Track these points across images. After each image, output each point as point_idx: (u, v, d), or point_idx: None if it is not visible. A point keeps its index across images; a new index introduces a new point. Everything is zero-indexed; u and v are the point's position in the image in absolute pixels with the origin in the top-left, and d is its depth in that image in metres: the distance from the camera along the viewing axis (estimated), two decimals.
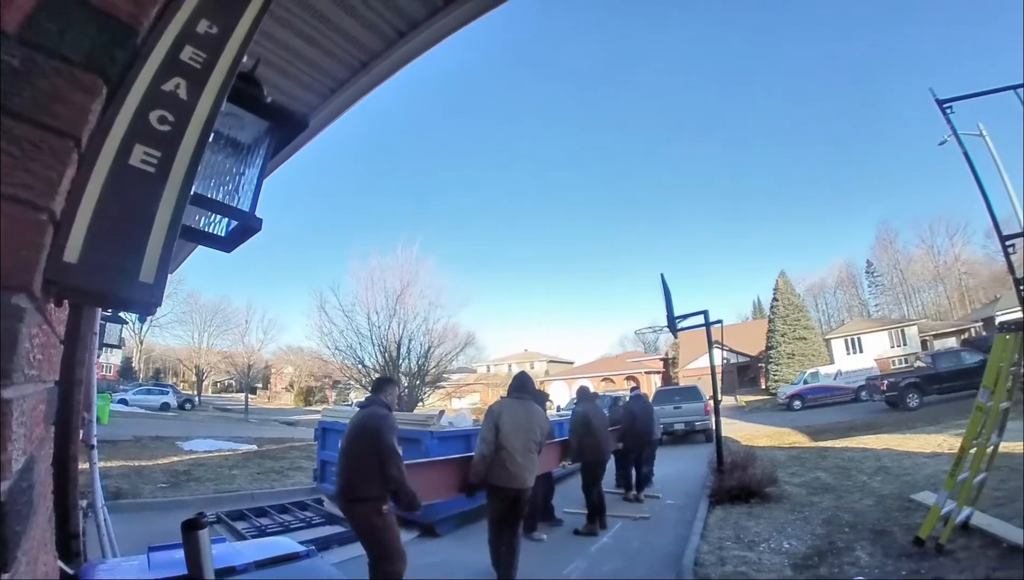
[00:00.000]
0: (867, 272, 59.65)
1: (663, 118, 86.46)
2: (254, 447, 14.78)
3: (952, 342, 33.72)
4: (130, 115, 0.86)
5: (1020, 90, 4.62)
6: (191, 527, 1.05)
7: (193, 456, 12.47)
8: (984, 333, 33.11)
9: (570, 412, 8.56)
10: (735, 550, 5.14)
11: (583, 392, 7.62)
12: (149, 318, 44.22)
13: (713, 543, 5.40)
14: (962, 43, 60.07)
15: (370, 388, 4.31)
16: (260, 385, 56.24)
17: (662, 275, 9.85)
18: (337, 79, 2.99)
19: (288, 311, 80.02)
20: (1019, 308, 4.46)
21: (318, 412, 15.53)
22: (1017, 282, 4.38)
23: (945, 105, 4.80)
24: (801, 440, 14.95)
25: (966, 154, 4.76)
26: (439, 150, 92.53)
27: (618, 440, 8.41)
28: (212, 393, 52.32)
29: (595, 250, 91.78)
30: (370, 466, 3.59)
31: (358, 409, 4.28)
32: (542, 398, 6.57)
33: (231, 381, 53.19)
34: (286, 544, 2.51)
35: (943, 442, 9.99)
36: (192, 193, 0.92)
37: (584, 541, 6.06)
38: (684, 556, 5.05)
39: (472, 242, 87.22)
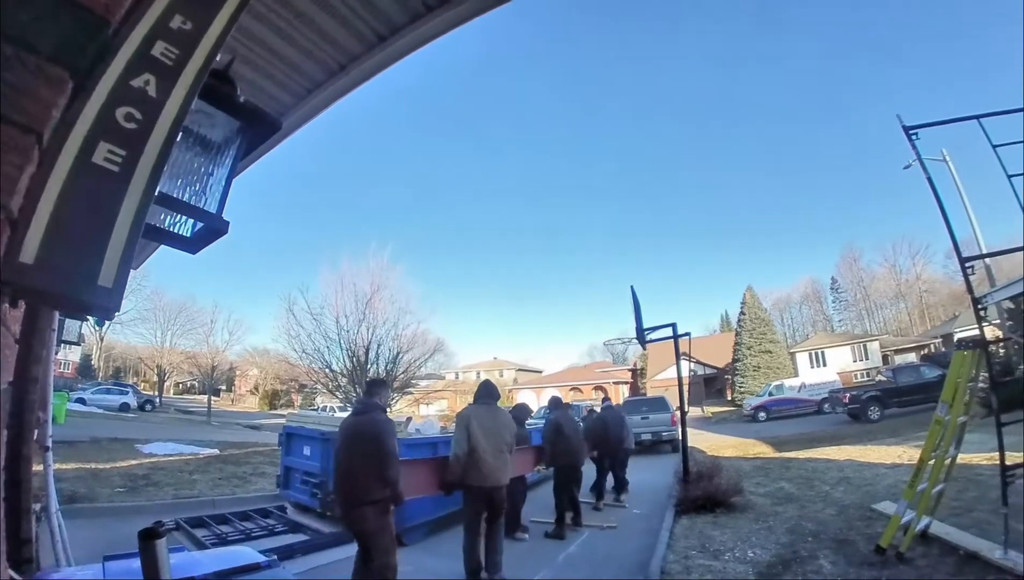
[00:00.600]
0: (832, 288, 61.65)
1: (637, 134, 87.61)
2: (216, 451, 14.36)
3: (912, 357, 34.81)
4: (96, 111, 0.83)
5: (982, 120, 4.82)
6: (148, 536, 1.01)
7: (153, 460, 12.05)
8: (943, 349, 34.33)
9: (543, 420, 8.74)
10: (700, 559, 5.18)
11: (555, 401, 7.96)
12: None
13: (679, 552, 5.44)
14: (926, 74, 62.56)
15: (363, 390, 4.50)
16: (224, 387, 54.85)
17: (632, 287, 9.95)
18: (314, 80, 2.94)
19: (255, 312, 78.69)
20: (977, 326, 4.62)
21: (283, 416, 15.19)
22: (975, 302, 4.54)
23: (911, 131, 4.95)
24: (766, 451, 15.20)
25: (929, 179, 4.92)
26: (413, 157, 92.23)
27: (592, 448, 8.64)
28: (174, 394, 50.84)
29: (565, 262, 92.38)
30: (375, 469, 3.81)
31: (352, 413, 4.43)
32: (526, 413, 7.14)
33: (194, 382, 51.67)
34: (247, 553, 2.43)
35: (903, 454, 10.26)
36: (157, 193, 0.89)
37: (551, 550, 6.05)
38: (650, 565, 5.07)
39: (444, 248, 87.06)
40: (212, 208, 1.31)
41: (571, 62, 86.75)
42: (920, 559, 4.43)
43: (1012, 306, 16.45)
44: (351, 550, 5.97)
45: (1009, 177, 4.60)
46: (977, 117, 4.82)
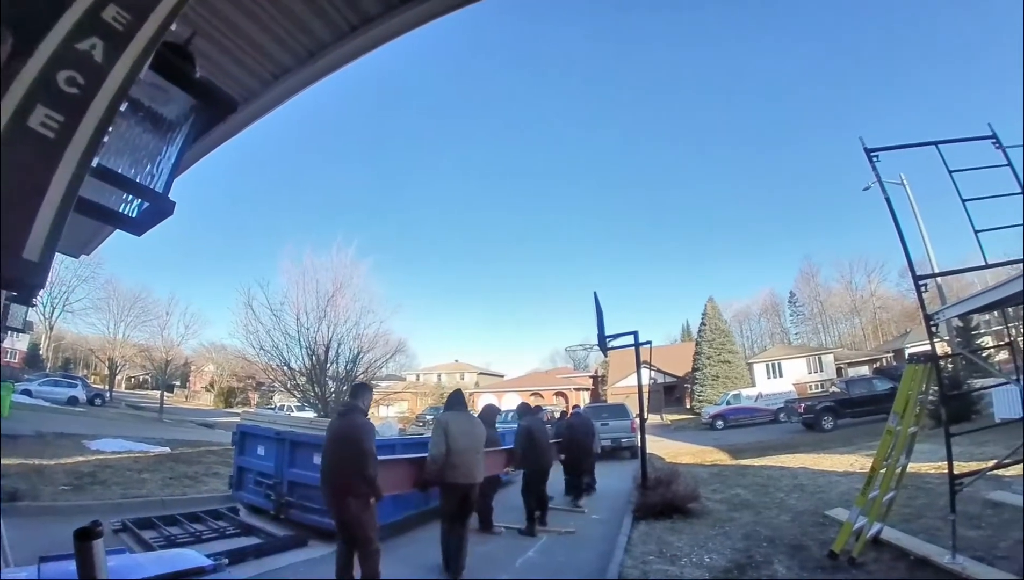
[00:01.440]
0: (790, 302, 63.79)
1: (603, 146, 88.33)
2: (167, 450, 13.79)
3: (865, 370, 36.01)
4: (35, 72, 0.76)
5: (940, 146, 5.03)
6: (84, 536, 0.94)
7: (100, 457, 11.51)
8: (894, 363, 35.77)
9: (508, 424, 8.99)
10: (658, 564, 5.22)
11: (524, 407, 8.57)
12: (61, 302, 41.08)
13: (637, 557, 5.46)
14: (885, 102, 65.12)
15: (348, 394, 4.92)
16: (178, 383, 53.03)
17: (595, 294, 10.00)
18: (281, 66, 2.82)
19: (213, 305, 75.91)
20: (928, 342, 4.79)
21: (239, 415, 14.70)
22: (927, 318, 4.70)
23: (872, 154, 5.11)
24: (723, 458, 15.51)
25: (888, 200, 5.08)
26: (380, 149, 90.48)
27: (560, 452, 9.32)
28: (125, 389, 48.92)
29: (531, 268, 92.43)
30: (356, 467, 4.23)
31: (336, 415, 4.90)
32: (494, 414, 7.62)
33: (147, 377, 49.82)
34: (192, 557, 2.32)
35: (855, 462, 10.57)
36: (99, 167, 0.82)
37: (513, 552, 6.02)
38: (608, 571, 5.09)
39: (409, 248, 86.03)
40: (159, 188, 1.22)
41: (540, 64, 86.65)
42: (872, 564, 4.57)
43: (960, 324, 17.27)
44: (305, 554, 5.88)
45: (963, 201, 4.81)
46: (935, 143, 5.04)
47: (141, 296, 40.84)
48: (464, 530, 5.21)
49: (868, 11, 66.71)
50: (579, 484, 9.39)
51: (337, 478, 4.33)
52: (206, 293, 75.29)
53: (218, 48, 2.62)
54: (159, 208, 1.25)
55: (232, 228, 78.29)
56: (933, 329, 4.75)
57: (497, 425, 8.04)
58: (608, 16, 79.53)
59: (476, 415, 5.97)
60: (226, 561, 5.39)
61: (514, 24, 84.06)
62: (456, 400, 5.66)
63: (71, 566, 1.14)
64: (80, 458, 10.95)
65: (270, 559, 5.60)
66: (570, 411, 11.55)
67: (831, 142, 66.70)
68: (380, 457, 4.76)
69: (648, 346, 9.79)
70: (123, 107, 0.87)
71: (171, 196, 1.27)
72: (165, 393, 35.49)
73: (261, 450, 7.44)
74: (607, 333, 9.70)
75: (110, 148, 1.03)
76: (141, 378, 52.32)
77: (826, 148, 69.16)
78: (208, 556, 4.85)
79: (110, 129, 0.84)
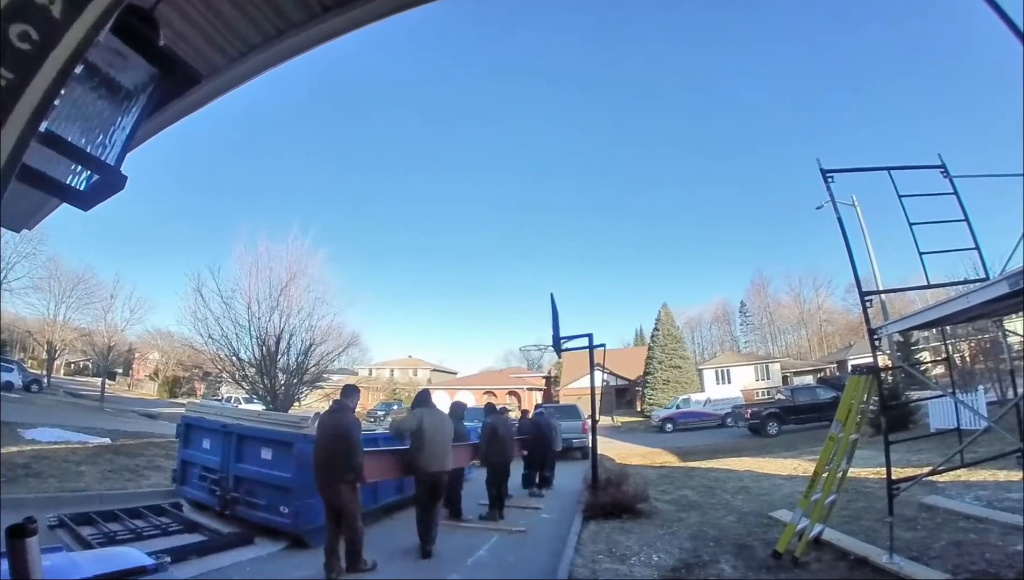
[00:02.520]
0: (741, 311, 65.92)
1: (562, 148, 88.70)
2: (107, 441, 13.20)
3: (809, 379, 37.31)
4: None
5: (891, 172, 5.29)
6: (17, 533, 0.88)
7: (35, 447, 10.94)
8: (837, 373, 37.38)
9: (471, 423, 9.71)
10: (607, 563, 5.29)
11: (490, 407, 9.38)
12: None
13: (587, 557, 5.52)
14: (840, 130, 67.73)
15: (339, 393, 5.65)
16: (120, 371, 50.44)
17: (551, 295, 10.07)
18: (248, 43, 2.70)
19: (160, 290, 72.02)
20: (871, 355, 5.02)
21: (183, 405, 14.11)
22: (871, 332, 4.92)
23: (827, 174, 5.31)
24: (671, 460, 15.91)
25: (839, 219, 5.29)
26: (344, 138, 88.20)
27: (523, 449, 10.25)
28: (65, 375, 46.52)
29: (487, 266, 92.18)
30: (344, 456, 4.99)
31: (328, 411, 5.52)
32: (462, 409, 8.42)
33: (88, 363, 47.14)
34: (132, 555, 2.21)
35: (798, 466, 11.00)
36: (48, 132, 0.76)
37: (465, 549, 6.01)
38: (558, 570, 5.12)
39: (366, 241, 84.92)
40: (110, 160, 1.14)
41: (499, 60, 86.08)
42: (814, 563, 4.77)
43: (901, 339, 18.18)
44: (251, 552, 5.75)
45: (910, 225, 5.06)
46: (888, 169, 5.30)
47: (85, 277, 38.55)
48: (435, 514, 5.93)
49: (835, 27, 69.07)
50: (536, 477, 10.16)
51: (329, 467, 5.01)
52: (154, 277, 71.51)
53: (184, 18, 2.47)
54: (109, 182, 1.16)
55: (185, 209, 74.82)
56: (876, 343, 4.99)
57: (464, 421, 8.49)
58: (571, 15, 79.79)
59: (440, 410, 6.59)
60: (168, 559, 5.18)
61: (478, 21, 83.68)
62: (424, 398, 6.41)
63: (3, 566, 1.07)
64: (14, 448, 10.40)
65: (214, 557, 5.40)
66: (532, 411, 12.12)
67: (789, 160, 68.96)
68: (365, 449, 5.46)
69: (602, 349, 9.98)
70: (78, 70, 0.80)
71: (124, 170, 1.20)
72: (107, 381, 33.79)
73: (207, 443, 7.18)
74: (562, 334, 9.79)
75: (61, 114, 0.96)
76: (82, 364, 49.56)
77: (783, 165, 71.50)
78: (150, 554, 4.68)
79: (62, 92, 0.78)
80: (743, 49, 74.85)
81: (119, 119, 1.19)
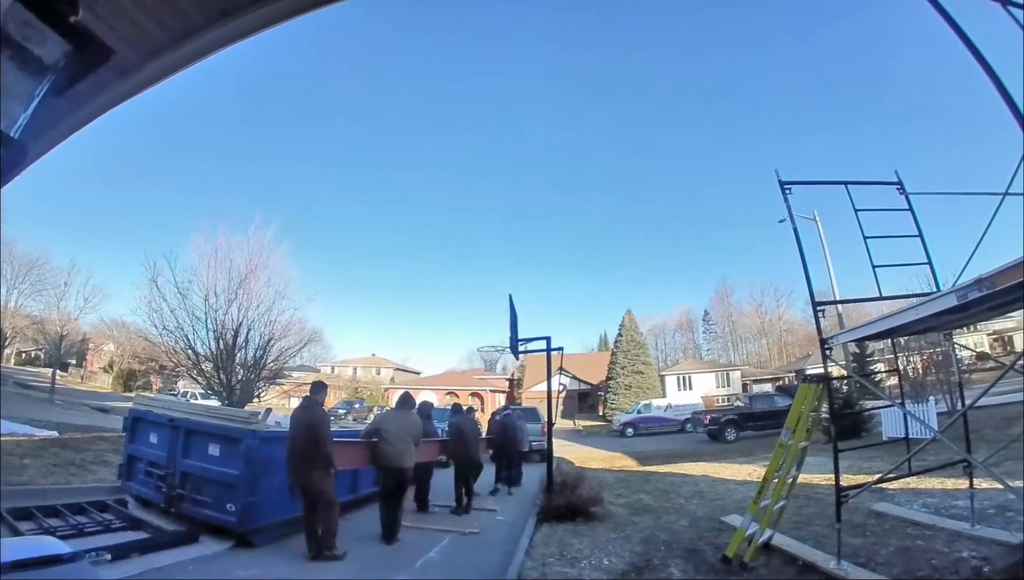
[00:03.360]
0: (704, 320, 67.07)
1: (529, 151, 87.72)
2: (54, 434, 12.71)
3: (768, 387, 38.36)
4: None
5: (849, 186, 5.45)
6: None
7: None
8: (795, 382, 38.45)
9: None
10: (558, 566, 5.30)
11: (456, 407, 10.06)
12: None
13: (537, 559, 5.52)
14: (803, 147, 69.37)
15: (309, 389, 6.02)
16: (73, 362, 48.50)
17: (510, 297, 10.03)
18: (192, 23, 2.58)
19: (117, 278, 69.21)
20: (822, 363, 5.17)
21: None
22: (823, 341, 5.05)
23: (786, 186, 5.44)
24: (630, 464, 16.06)
25: (795, 230, 5.41)
26: (303, 128, 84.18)
27: (489, 447, 10.87)
28: (14, 365, 44.52)
29: (453, 267, 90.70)
30: (318, 447, 5.40)
31: (299, 406, 5.83)
32: (429, 408, 8.72)
33: (39, 353, 45.27)
34: (50, 544, 2.13)
35: (752, 471, 11.16)
36: None
37: (416, 551, 5.96)
38: (508, 572, 5.11)
39: (330, 237, 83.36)
40: (6, 128, 1.07)
41: (464, 55, 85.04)
42: (763, 568, 4.84)
43: (857, 350, 18.78)
44: (195, 551, 5.58)
45: (865, 238, 5.23)
46: (846, 183, 5.47)
47: (39, 262, 37.06)
48: (398, 506, 6.37)
49: (802, 40, 70.71)
50: (505, 476, 10.48)
51: (302, 457, 5.38)
52: (110, 264, 68.26)
53: None
54: (7, 153, 1.09)
55: (143, 197, 71.92)
56: (828, 352, 5.10)
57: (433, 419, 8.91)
58: (536, 14, 79.66)
59: (413, 411, 7.10)
60: (108, 557, 5.01)
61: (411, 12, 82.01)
62: (405, 401, 6.98)
63: None
64: None
65: (156, 556, 5.18)
66: (501, 413, 12.42)
67: (755, 173, 70.34)
68: (353, 439, 6.31)
69: (560, 352, 10.01)
70: None
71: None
72: (59, 372, 32.42)
73: (153, 437, 6.92)
74: (520, 337, 9.79)
75: None
76: (32, 354, 47.51)
77: (751, 178, 72.83)
78: (89, 551, 4.48)
79: None
80: (720, 57, 76.00)
81: (22, 88, 1.11)
